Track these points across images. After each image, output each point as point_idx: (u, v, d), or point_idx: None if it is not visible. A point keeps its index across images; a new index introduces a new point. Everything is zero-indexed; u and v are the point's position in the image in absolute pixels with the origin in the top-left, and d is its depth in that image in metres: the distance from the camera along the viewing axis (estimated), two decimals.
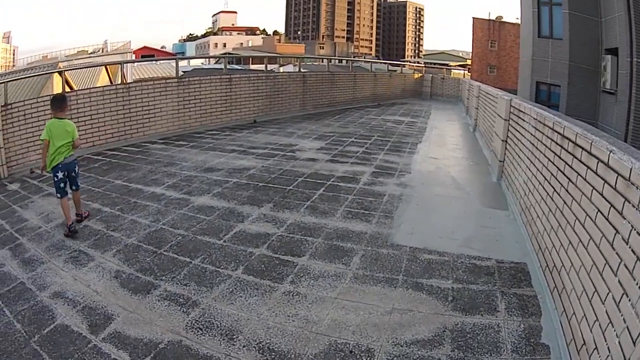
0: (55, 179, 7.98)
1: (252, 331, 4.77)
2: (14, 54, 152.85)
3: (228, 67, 28.93)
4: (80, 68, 35.76)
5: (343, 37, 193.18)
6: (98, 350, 4.60)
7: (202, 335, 4.74)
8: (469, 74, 52.29)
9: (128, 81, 15.88)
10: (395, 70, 34.33)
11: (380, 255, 6.32)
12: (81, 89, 15.73)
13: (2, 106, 11.92)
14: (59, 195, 8.00)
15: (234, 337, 4.69)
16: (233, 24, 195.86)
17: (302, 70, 23.92)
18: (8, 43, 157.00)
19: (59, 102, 8.22)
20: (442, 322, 4.74)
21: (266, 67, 23.00)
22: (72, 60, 48.39)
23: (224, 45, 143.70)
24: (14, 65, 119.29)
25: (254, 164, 11.77)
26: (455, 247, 6.46)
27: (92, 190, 9.91)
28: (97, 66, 34.72)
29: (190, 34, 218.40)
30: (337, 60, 63.72)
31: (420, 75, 35.95)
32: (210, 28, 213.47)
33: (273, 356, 4.35)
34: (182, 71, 19.76)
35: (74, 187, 8.23)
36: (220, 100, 17.70)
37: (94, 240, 7.27)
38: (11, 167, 12.19)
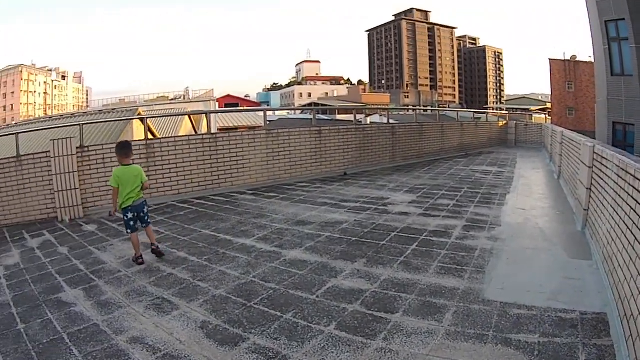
0: (125, 219, 8.76)
1: None
2: (87, 95, 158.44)
3: (303, 117, 29.34)
4: (165, 116, 37.03)
5: (427, 85, 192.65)
6: None
7: None
8: (550, 117, 51.87)
9: (212, 130, 16.50)
10: (480, 118, 34.34)
11: (472, 312, 6.29)
12: (165, 137, 16.61)
13: (77, 148, 12.75)
14: (129, 231, 8.79)
15: None
16: (317, 74, 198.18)
17: (390, 121, 24.27)
18: (80, 83, 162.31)
19: (125, 150, 8.95)
20: None
21: (355, 118, 23.78)
22: (151, 105, 49.90)
23: (309, 94, 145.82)
24: (87, 106, 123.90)
25: (347, 217, 11.77)
26: (542, 300, 6.53)
27: (178, 239, 10.30)
28: (181, 115, 35.74)
29: (275, 84, 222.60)
30: (422, 110, 64.00)
31: (504, 122, 35.91)
32: (295, 77, 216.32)
33: None
34: (268, 120, 20.48)
35: (144, 225, 8.98)
36: (310, 152, 18.15)
37: (179, 289, 7.45)
38: (87, 208, 13.15)
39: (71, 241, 10.63)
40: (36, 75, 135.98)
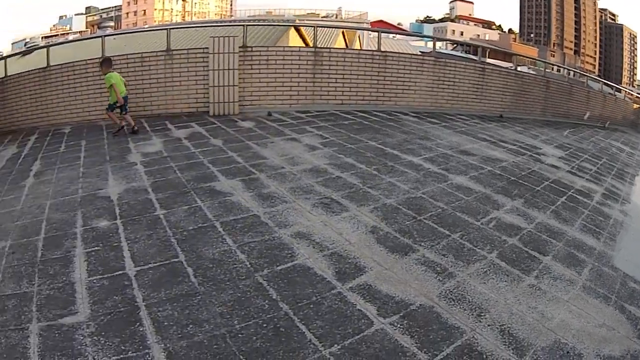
0: (118, 104, 11.89)
1: (498, 313, 4.96)
2: (231, 4, 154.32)
3: (463, 55, 29.01)
4: (326, 27, 37.84)
5: (570, 49, 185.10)
6: (342, 297, 4.83)
7: (454, 306, 4.95)
8: None
9: None
10: (616, 95, 33.52)
11: (603, 273, 6.45)
12: (335, 48, 17.43)
13: (240, 47, 14.10)
14: (111, 111, 12.01)
15: (482, 314, 4.90)
16: (470, 14, 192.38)
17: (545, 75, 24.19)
18: None
19: (109, 62, 12.16)
20: (628, 346, 4.89)
21: (515, 65, 23.62)
22: (302, 20, 49.71)
23: (461, 33, 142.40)
24: (231, 16, 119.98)
25: (506, 157, 11.80)
26: None
27: (344, 146, 10.73)
28: (337, 28, 36.68)
29: (428, 17, 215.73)
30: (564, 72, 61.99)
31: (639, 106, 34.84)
32: (448, 14, 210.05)
33: (510, 340, 4.58)
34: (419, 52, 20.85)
35: (124, 112, 12.03)
36: (472, 87, 18.44)
37: (349, 193, 7.66)
38: (244, 106, 14.22)
39: (225, 135, 11.19)
40: None
